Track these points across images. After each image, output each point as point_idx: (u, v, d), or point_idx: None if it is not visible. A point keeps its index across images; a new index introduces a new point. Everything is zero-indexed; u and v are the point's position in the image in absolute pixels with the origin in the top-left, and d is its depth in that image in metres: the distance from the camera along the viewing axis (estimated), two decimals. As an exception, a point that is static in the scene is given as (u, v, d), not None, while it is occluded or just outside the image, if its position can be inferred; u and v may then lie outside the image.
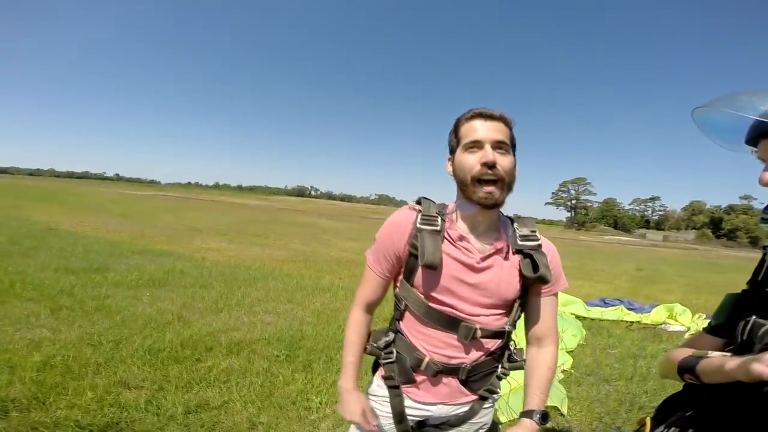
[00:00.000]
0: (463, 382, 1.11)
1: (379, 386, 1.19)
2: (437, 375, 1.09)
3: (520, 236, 1.10)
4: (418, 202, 1.14)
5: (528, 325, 1.16)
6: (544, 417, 1.06)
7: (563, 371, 3.51)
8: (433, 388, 1.12)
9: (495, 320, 1.09)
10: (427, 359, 1.09)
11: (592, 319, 5.68)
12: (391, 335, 1.17)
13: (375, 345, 1.17)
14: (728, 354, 0.83)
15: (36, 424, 2.12)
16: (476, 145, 1.03)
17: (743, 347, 0.82)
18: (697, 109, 0.88)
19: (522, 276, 1.07)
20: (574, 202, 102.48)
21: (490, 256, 1.07)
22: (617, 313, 5.98)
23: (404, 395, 1.14)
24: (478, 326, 1.06)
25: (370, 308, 1.21)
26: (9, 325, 3.48)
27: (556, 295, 1.14)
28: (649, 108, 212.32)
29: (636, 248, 37.03)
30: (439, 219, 1.08)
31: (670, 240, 66.22)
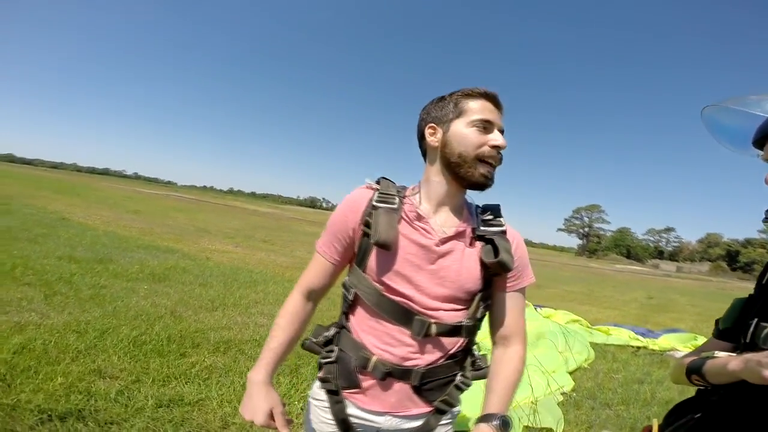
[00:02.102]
0: (417, 390, 0.97)
1: (320, 389, 1.04)
2: (386, 378, 0.95)
3: (483, 221, 1.01)
4: (377, 182, 1.05)
5: (493, 325, 1.05)
6: (505, 423, 0.92)
7: (562, 393, 3.33)
8: (381, 395, 0.97)
9: (453, 315, 0.97)
10: (374, 359, 0.95)
11: (597, 344, 5.46)
12: (334, 330, 1.04)
13: (314, 340, 1.04)
14: (734, 354, 0.84)
15: (-7, 404, 2.05)
16: (487, 125, 0.96)
17: (747, 349, 0.82)
18: (706, 108, 0.89)
19: (484, 266, 0.97)
20: (586, 229, 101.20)
21: (450, 239, 0.97)
22: (623, 338, 5.75)
23: (347, 402, 1.00)
24: (433, 320, 0.94)
25: (312, 295, 1.07)
26: (-1, 307, 3.46)
27: (522, 291, 1.04)
28: (669, 137, 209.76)
29: (648, 277, 36.18)
30: (397, 198, 0.99)
31: (684, 271, 64.57)
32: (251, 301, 5.23)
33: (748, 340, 0.83)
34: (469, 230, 1.00)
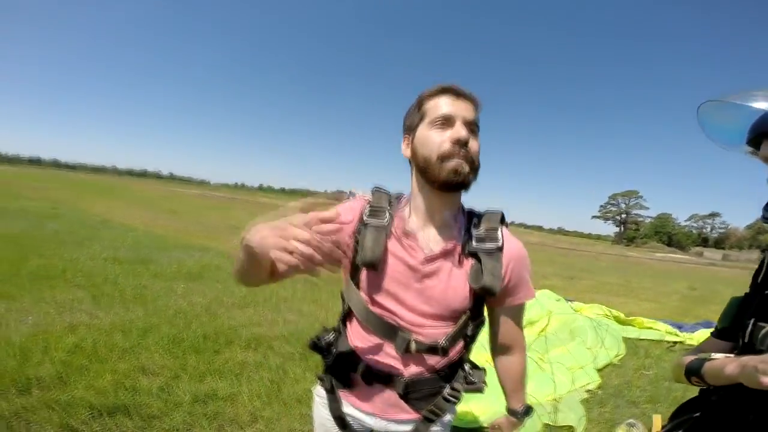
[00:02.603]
0: (403, 397, 0.99)
1: (320, 386, 1.12)
2: (372, 383, 1.00)
3: (477, 236, 0.96)
4: (372, 193, 1.04)
5: (492, 337, 1.08)
6: (527, 410, 1.11)
7: (588, 391, 3.29)
8: (369, 397, 1.02)
9: (436, 332, 0.97)
10: (362, 364, 1.00)
11: (630, 338, 5.32)
12: (333, 335, 1.09)
13: (318, 341, 1.09)
14: (731, 356, 0.85)
15: (52, 402, 2.26)
16: (446, 121, 0.92)
17: (745, 350, 0.83)
18: (703, 104, 0.87)
19: (471, 285, 0.95)
20: (623, 216, 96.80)
21: (436, 258, 0.96)
22: (660, 332, 5.55)
23: (342, 400, 1.06)
24: (413, 338, 0.95)
25: None
26: (53, 308, 3.77)
27: (521, 307, 1.05)
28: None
29: (690, 267, 34.33)
30: (387, 213, 0.97)
31: (731, 259, 60.34)
32: (281, 298, 5.40)
33: (746, 340, 0.84)
34: (458, 248, 0.97)
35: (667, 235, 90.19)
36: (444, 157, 0.90)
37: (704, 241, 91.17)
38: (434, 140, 0.92)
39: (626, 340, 4.99)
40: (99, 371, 2.65)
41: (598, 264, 22.71)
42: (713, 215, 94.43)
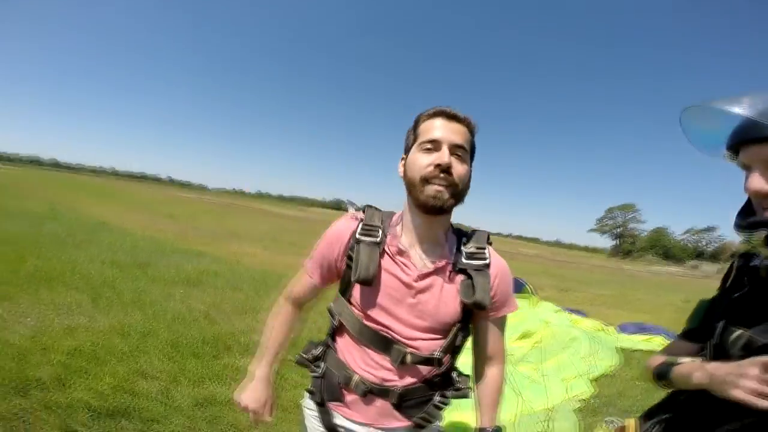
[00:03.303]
0: (396, 406, 1.03)
1: (309, 399, 1.15)
2: (367, 395, 1.03)
3: (466, 254, 1.02)
4: (363, 210, 1.08)
5: (475, 347, 1.11)
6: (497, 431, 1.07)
7: (581, 400, 3.33)
8: (363, 408, 1.05)
9: (429, 344, 1.02)
10: (356, 377, 1.03)
11: (624, 349, 5.36)
12: (321, 349, 1.12)
13: (305, 356, 1.13)
14: (698, 359, 0.87)
15: (51, 403, 2.27)
16: (434, 145, 0.96)
17: (717, 351, 0.84)
18: (687, 109, 0.87)
19: (462, 300, 1.01)
20: (620, 229, 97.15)
21: (429, 274, 1.01)
22: (653, 343, 5.60)
23: (333, 412, 1.09)
24: (409, 350, 1.00)
25: (298, 303, 1.18)
26: (52, 311, 3.77)
27: (504, 318, 1.09)
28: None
29: (686, 279, 34.40)
30: (380, 231, 1.02)
31: None
32: (279, 305, 5.44)
33: (716, 342, 0.84)
34: (448, 265, 1.02)
35: (663, 248, 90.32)
36: (426, 180, 0.96)
37: (700, 255, 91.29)
38: (420, 163, 0.97)
39: (620, 350, 5.03)
40: (98, 374, 2.66)
41: (592, 276, 22.73)
42: (709, 229, 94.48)
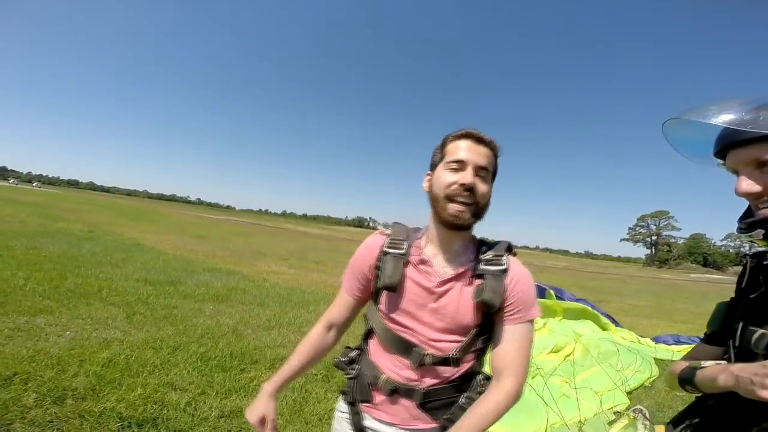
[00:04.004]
0: (422, 407, 1.07)
1: (342, 401, 1.20)
2: (393, 394, 1.08)
3: (485, 261, 1.07)
4: (392, 227, 1.17)
5: (491, 356, 1.08)
6: None
7: (615, 413, 3.15)
8: (391, 408, 1.09)
9: (449, 346, 1.06)
10: (383, 377, 1.09)
11: (662, 360, 5.08)
12: (356, 352, 1.19)
13: (341, 359, 1.19)
14: (722, 362, 0.85)
15: (84, 412, 2.35)
16: (460, 165, 1.03)
17: (741, 353, 0.83)
18: (666, 122, 0.89)
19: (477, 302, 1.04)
20: (654, 237, 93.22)
21: (449, 280, 1.06)
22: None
23: (363, 413, 1.13)
24: (428, 352, 1.05)
25: (333, 327, 1.23)
26: (89, 324, 3.93)
27: (525, 325, 1.04)
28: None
29: (728, 286, 32.07)
30: (405, 243, 1.10)
31: None
32: (304, 321, 5.46)
33: (737, 344, 0.84)
34: (468, 271, 1.07)
35: (702, 255, 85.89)
36: (450, 198, 1.03)
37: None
38: (445, 181, 1.04)
39: (659, 361, 4.78)
40: (130, 385, 2.74)
41: (627, 287, 21.83)
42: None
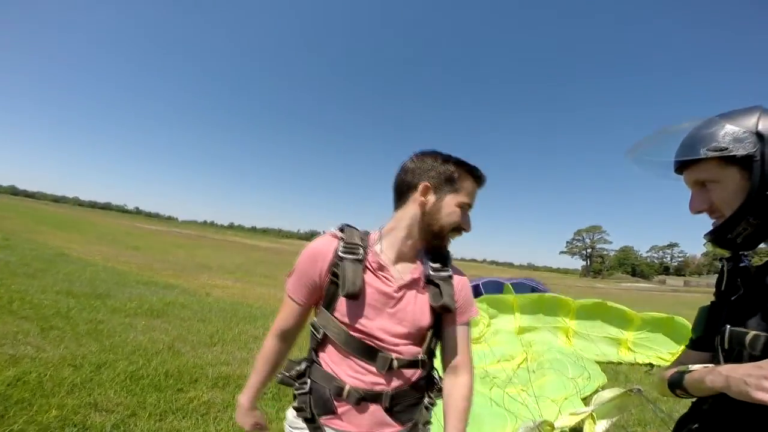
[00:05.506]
0: (388, 411, 1.07)
1: (296, 418, 1.12)
2: (360, 402, 1.05)
3: (433, 268, 1.13)
4: (341, 230, 1.14)
5: (443, 355, 1.17)
6: None
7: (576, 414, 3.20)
8: (357, 417, 1.06)
9: (410, 349, 1.09)
10: (348, 387, 1.05)
11: (607, 363, 5.40)
12: (305, 365, 1.13)
13: (287, 374, 1.13)
14: (709, 366, 0.85)
15: (-15, 436, 2.00)
16: (467, 206, 1.12)
17: (727, 355, 0.83)
18: (628, 152, 0.98)
19: (432, 306, 1.10)
20: (589, 250, 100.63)
21: (406, 285, 1.10)
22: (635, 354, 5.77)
23: (324, 427, 1.08)
24: (394, 356, 1.06)
25: (286, 336, 1.19)
26: (-5, 341, 3.40)
27: (468, 324, 1.17)
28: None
29: (656, 294, 35.62)
30: (361, 248, 1.09)
31: (692, 285, 62.41)
32: (251, 337, 5.15)
33: (726, 346, 0.83)
34: (422, 277, 1.12)
35: (630, 265, 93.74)
36: (452, 231, 1.12)
37: (666, 270, 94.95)
38: (456, 220, 1.11)
39: (605, 366, 5.02)
40: (43, 406, 2.38)
41: (569, 295, 23.08)
42: (671, 245, 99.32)
